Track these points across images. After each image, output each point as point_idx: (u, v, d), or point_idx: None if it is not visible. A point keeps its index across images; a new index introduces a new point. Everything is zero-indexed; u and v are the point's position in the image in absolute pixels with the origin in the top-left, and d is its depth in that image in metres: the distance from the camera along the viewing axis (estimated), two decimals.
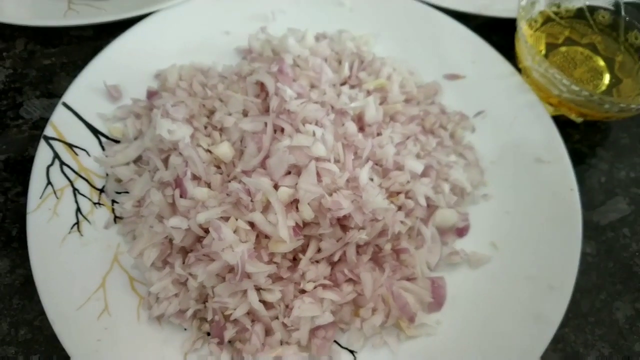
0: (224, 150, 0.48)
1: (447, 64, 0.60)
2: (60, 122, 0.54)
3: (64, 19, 0.64)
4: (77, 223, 0.49)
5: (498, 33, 0.61)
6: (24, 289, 0.49)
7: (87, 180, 0.52)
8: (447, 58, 0.60)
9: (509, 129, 0.54)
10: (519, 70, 0.57)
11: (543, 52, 0.59)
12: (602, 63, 0.58)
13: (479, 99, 0.57)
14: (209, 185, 0.47)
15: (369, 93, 0.54)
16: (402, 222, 0.45)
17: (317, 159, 0.45)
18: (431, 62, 0.61)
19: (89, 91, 0.56)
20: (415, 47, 0.62)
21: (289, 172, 0.46)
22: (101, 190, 0.51)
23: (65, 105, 0.55)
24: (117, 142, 0.55)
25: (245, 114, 0.52)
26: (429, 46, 0.61)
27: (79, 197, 0.50)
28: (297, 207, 0.44)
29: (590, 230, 0.52)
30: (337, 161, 0.47)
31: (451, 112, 0.56)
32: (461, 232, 0.49)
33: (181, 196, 0.46)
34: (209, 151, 0.49)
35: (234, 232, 0.43)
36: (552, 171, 0.50)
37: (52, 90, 0.63)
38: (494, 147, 0.54)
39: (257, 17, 0.64)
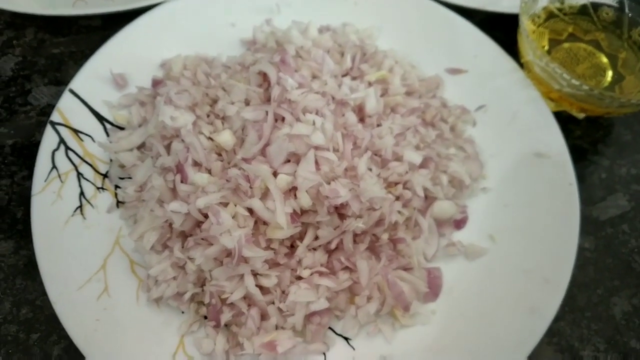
0: (226, 137, 0.49)
1: (450, 58, 0.60)
2: (67, 108, 0.55)
3: (73, 8, 0.65)
4: (81, 206, 0.50)
5: (501, 29, 0.61)
6: (27, 269, 0.50)
7: (91, 165, 0.53)
8: (450, 52, 0.60)
9: (509, 124, 0.54)
10: (521, 65, 0.57)
11: (546, 47, 0.59)
12: (605, 60, 0.58)
13: (480, 94, 0.57)
14: (209, 172, 0.47)
15: (370, 85, 0.55)
16: (399, 212, 0.46)
17: (316, 148, 0.46)
18: (433, 56, 0.61)
19: (96, 79, 0.57)
20: (418, 41, 0.62)
21: (288, 160, 0.46)
22: (105, 175, 0.52)
23: (72, 92, 0.56)
24: (121, 129, 0.56)
25: (247, 103, 0.52)
26: (431, 40, 0.62)
27: (83, 181, 0.51)
28: (295, 195, 0.45)
29: (590, 225, 0.52)
30: (336, 150, 0.47)
31: (452, 106, 0.57)
32: (459, 224, 0.49)
33: (182, 181, 0.46)
34: (210, 139, 0.50)
35: (233, 217, 0.43)
36: (551, 165, 0.50)
37: (60, 78, 0.64)
38: (495, 141, 0.54)
39: (262, 9, 0.64)
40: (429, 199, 0.49)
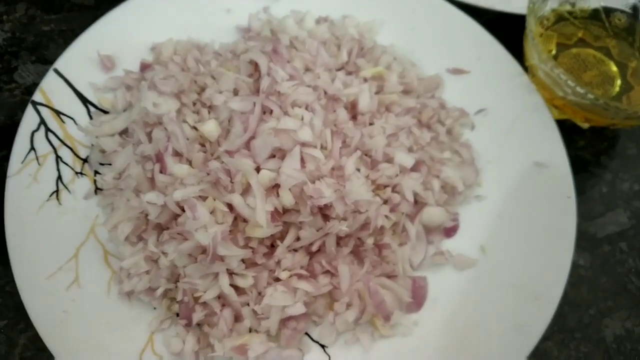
0: (210, 128, 0.47)
1: (452, 57, 0.58)
2: (50, 88, 0.53)
3: None
4: (57, 191, 0.48)
5: (509, 30, 0.58)
6: None
7: (71, 149, 0.51)
8: (453, 52, 0.58)
9: (510, 130, 0.52)
10: (526, 68, 0.55)
11: (553, 52, 0.56)
12: (614, 68, 0.55)
13: (481, 97, 0.55)
14: (190, 163, 0.45)
15: (365, 81, 0.52)
16: (386, 216, 0.43)
17: (303, 144, 0.44)
18: (436, 54, 0.58)
19: (83, 59, 0.55)
20: (421, 38, 0.59)
21: (273, 156, 0.44)
22: (85, 160, 0.50)
23: (57, 71, 0.54)
24: (106, 112, 0.54)
25: (236, 92, 0.50)
26: (435, 38, 0.59)
27: (62, 165, 0.49)
28: (277, 192, 0.42)
29: (586, 241, 0.49)
30: (323, 148, 0.45)
31: (451, 108, 0.54)
32: (449, 232, 0.47)
33: (161, 171, 0.44)
34: (195, 128, 0.48)
35: (211, 212, 0.41)
36: (550, 176, 0.48)
37: (48, 56, 0.62)
38: (493, 146, 0.52)
39: None
40: (418, 204, 0.46)
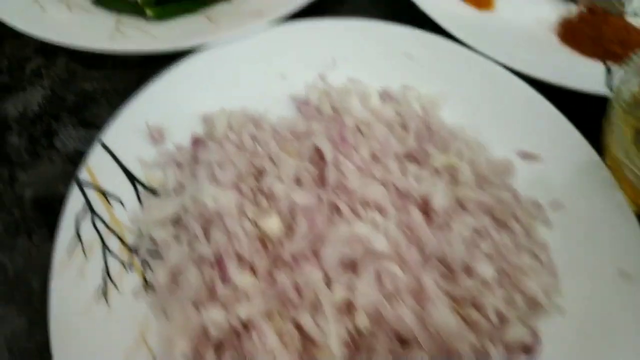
0: (272, 225, 0.43)
1: (521, 139, 0.54)
2: (96, 164, 0.49)
3: (108, 41, 0.59)
4: (105, 289, 0.44)
5: (574, 104, 0.54)
6: (41, 355, 0.44)
7: (119, 237, 0.47)
8: (522, 132, 0.54)
9: (589, 230, 0.48)
10: (601, 157, 0.51)
11: (629, 139, 0.53)
12: None
13: (555, 188, 0.51)
14: (252, 269, 0.42)
15: (437, 171, 0.49)
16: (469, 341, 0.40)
17: (377, 255, 0.40)
18: (503, 133, 0.54)
19: (129, 131, 0.52)
20: (487, 114, 0.56)
21: (343, 265, 0.41)
22: (134, 250, 0.47)
23: (104, 146, 0.50)
24: (154, 192, 0.50)
25: (297, 181, 0.47)
26: (502, 115, 0.56)
27: (109, 256, 0.46)
28: (349, 310, 0.39)
29: None
30: (398, 256, 0.41)
31: (524, 199, 0.50)
32: (528, 349, 0.43)
33: (221, 279, 0.41)
34: (255, 222, 0.44)
35: (278, 334, 0.38)
36: (637, 289, 0.44)
37: (90, 118, 0.59)
38: (570, 249, 0.48)
39: (317, 62, 0.59)
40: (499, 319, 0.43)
